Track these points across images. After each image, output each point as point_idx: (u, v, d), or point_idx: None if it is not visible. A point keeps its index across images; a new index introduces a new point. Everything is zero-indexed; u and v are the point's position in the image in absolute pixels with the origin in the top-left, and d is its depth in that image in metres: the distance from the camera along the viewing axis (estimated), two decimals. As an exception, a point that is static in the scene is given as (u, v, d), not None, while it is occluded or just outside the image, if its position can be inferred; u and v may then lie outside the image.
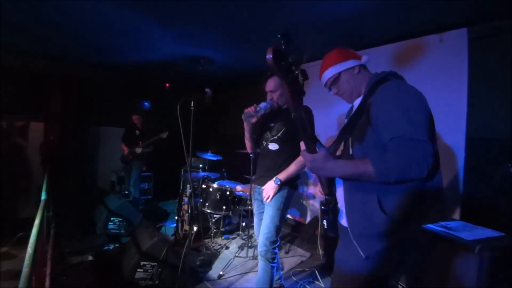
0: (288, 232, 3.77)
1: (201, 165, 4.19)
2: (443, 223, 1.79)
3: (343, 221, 1.15)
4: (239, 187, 3.14)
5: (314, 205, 3.65)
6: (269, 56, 0.75)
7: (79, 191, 4.39)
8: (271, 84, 1.83)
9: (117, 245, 2.97)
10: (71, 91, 4.46)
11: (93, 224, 3.22)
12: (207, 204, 3.00)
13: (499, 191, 2.12)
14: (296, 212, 3.89)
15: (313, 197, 3.67)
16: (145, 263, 2.17)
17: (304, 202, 3.79)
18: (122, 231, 3.12)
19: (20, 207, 3.70)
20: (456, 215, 2.28)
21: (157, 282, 2.18)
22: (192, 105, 1.94)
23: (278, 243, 1.87)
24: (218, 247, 3.13)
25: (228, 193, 3.00)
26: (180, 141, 1.82)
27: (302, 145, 1.76)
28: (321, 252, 2.96)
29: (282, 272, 2.42)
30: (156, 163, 4.93)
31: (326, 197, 1.19)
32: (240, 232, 3.45)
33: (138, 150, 3.87)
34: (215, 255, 2.93)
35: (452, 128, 2.31)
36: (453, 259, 1.58)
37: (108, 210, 3.16)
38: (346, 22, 2.46)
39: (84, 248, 2.80)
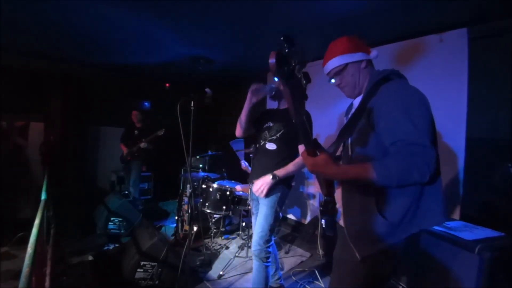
0: (288, 232, 3.77)
1: (201, 165, 4.19)
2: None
3: (341, 222, 1.15)
4: (239, 187, 3.14)
5: (314, 205, 3.65)
6: (272, 60, 0.72)
7: (79, 191, 4.38)
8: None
9: (117, 245, 2.97)
10: (71, 91, 4.47)
11: (93, 224, 3.22)
12: (207, 204, 3.00)
13: (499, 191, 2.12)
14: (296, 212, 3.89)
15: (313, 197, 3.67)
16: (145, 263, 2.17)
17: (304, 202, 3.78)
18: (122, 231, 3.12)
19: (20, 207, 3.69)
20: (456, 215, 2.28)
21: (157, 282, 2.18)
22: (192, 105, 1.94)
23: (272, 242, 1.87)
24: (218, 247, 3.13)
25: (228, 193, 2.99)
26: (180, 141, 1.83)
27: (300, 147, 1.76)
28: (321, 252, 2.96)
29: (282, 272, 2.42)
30: (156, 163, 4.94)
31: (325, 197, 1.20)
32: (240, 232, 3.45)
33: (143, 145, 3.89)
34: (215, 255, 2.93)
35: (452, 128, 2.31)
36: (453, 259, 1.58)
37: (108, 210, 3.16)
38: (346, 22, 2.46)
39: (84, 248, 2.80)
